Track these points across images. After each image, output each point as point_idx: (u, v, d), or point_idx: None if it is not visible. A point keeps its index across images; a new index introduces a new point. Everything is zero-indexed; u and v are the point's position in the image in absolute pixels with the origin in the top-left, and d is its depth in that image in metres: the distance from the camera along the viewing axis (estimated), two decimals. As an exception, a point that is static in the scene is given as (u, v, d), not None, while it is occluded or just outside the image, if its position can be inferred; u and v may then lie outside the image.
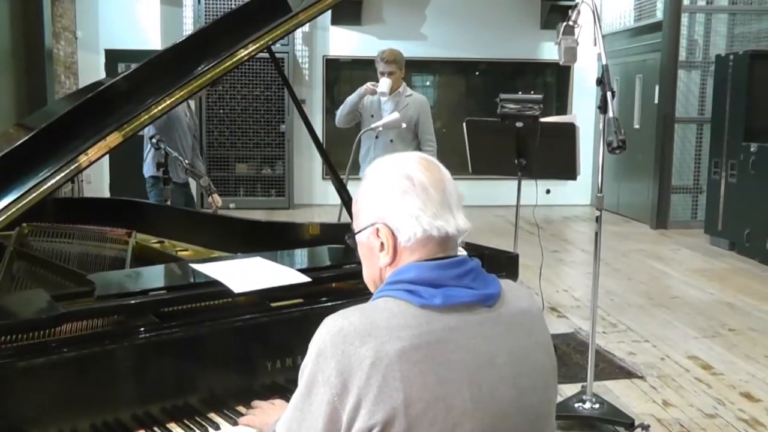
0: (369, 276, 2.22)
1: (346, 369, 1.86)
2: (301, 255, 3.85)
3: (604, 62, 4.95)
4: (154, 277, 3.39)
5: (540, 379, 2.08)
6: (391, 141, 7.29)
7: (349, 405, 1.85)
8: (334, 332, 1.91)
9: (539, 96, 5.91)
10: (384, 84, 7.22)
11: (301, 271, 3.18)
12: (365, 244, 2.16)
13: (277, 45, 4.59)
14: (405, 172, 2.07)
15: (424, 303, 1.96)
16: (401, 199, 2.05)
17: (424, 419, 1.86)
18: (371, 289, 2.20)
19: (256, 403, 2.79)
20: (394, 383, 1.84)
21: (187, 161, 6.47)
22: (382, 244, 2.09)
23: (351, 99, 7.41)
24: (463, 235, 2.12)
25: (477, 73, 16.45)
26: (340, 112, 7.52)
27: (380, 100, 7.37)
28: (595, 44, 5.10)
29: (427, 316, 1.95)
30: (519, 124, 5.78)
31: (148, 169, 7.71)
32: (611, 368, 6.46)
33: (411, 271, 2.03)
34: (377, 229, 2.09)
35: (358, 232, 2.17)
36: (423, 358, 1.89)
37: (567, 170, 6.07)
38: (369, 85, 7.34)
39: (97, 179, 12.95)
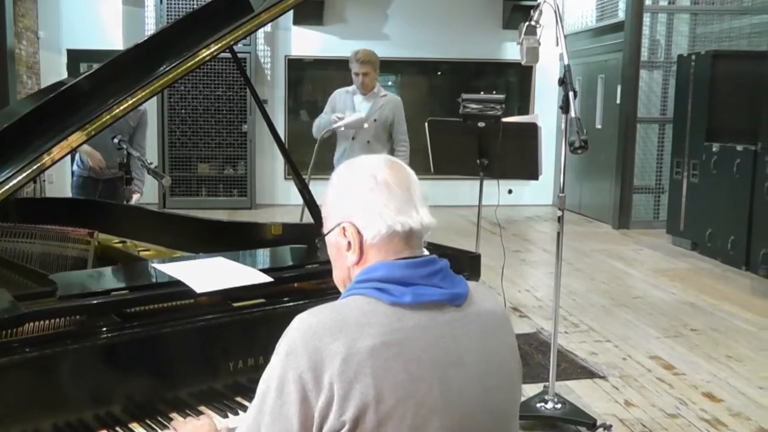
0: (339, 277, 2.22)
1: (318, 365, 1.86)
2: (263, 255, 3.84)
3: (566, 62, 4.98)
4: (116, 277, 3.39)
5: (506, 379, 2.10)
6: (368, 142, 7.31)
7: (321, 402, 1.85)
8: (305, 329, 1.92)
9: (501, 96, 5.92)
10: (351, 118, 7.11)
11: (264, 271, 3.17)
12: (333, 244, 2.17)
13: (239, 45, 4.58)
14: (369, 172, 2.09)
15: (395, 301, 1.97)
16: (365, 197, 2.06)
17: (395, 415, 1.87)
18: (341, 290, 2.20)
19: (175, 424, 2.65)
20: (366, 379, 1.85)
21: (149, 161, 6.44)
22: (349, 243, 2.10)
23: (325, 121, 7.36)
24: (428, 231, 2.14)
25: (439, 72, 16.49)
26: (317, 127, 7.46)
27: (355, 101, 7.40)
28: (557, 44, 5.13)
29: (398, 314, 1.96)
30: (481, 124, 5.78)
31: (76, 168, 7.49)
32: (573, 368, 6.49)
33: (380, 269, 2.04)
34: (343, 228, 2.10)
35: (327, 233, 2.18)
36: (394, 355, 1.90)
37: (529, 170, 6.08)
38: (334, 116, 7.22)
39: (59, 179, 12.85)
